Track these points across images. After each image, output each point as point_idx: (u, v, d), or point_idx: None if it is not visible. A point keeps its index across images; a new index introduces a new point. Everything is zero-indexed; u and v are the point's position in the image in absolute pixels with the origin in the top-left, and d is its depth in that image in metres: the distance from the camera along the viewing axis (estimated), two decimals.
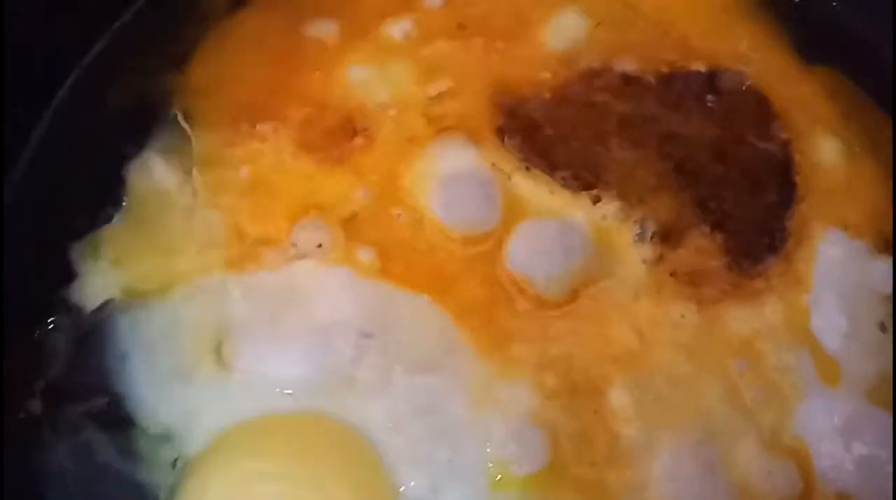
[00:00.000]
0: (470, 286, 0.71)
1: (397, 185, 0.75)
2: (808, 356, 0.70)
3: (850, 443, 0.68)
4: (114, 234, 0.73)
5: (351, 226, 0.73)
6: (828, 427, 0.68)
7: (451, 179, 0.74)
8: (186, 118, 0.78)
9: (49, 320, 0.72)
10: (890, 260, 0.74)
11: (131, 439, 0.68)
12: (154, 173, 0.75)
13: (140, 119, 0.78)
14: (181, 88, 0.80)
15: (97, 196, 0.75)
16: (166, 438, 0.68)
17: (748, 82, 0.83)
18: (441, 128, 0.77)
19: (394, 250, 0.72)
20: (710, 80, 0.82)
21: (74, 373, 0.71)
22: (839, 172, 0.79)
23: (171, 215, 0.74)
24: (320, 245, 0.72)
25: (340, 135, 0.76)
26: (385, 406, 0.68)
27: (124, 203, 0.75)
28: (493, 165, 0.75)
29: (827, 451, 0.68)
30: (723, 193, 0.76)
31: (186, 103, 0.79)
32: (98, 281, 0.72)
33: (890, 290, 0.73)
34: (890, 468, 0.66)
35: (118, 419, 0.69)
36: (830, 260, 0.75)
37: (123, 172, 0.76)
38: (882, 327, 0.72)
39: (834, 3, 0.89)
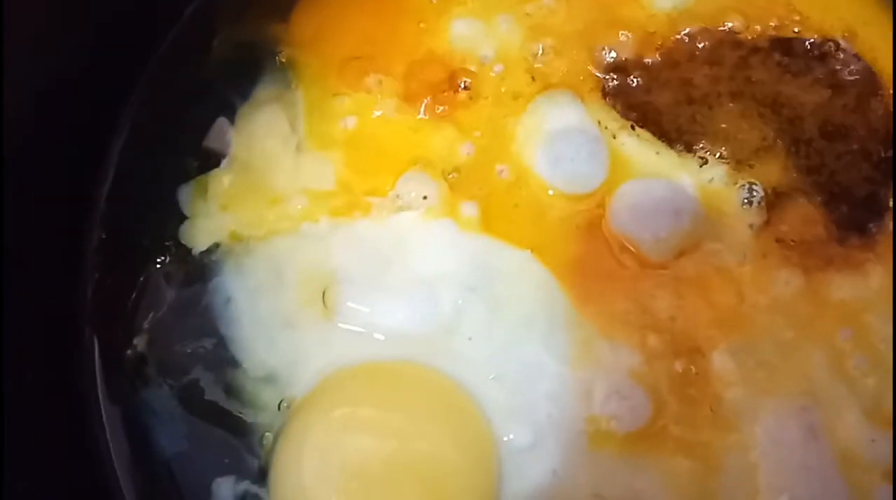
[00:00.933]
0: (573, 244, 0.71)
1: (501, 141, 0.75)
2: None
3: None
4: (222, 179, 0.75)
5: (455, 180, 0.73)
6: None
7: (556, 136, 0.74)
8: (291, 68, 0.78)
9: (158, 261, 0.73)
10: None
11: (236, 380, 0.70)
12: (260, 121, 0.76)
13: (245, 68, 0.79)
14: (285, 37, 0.80)
15: (204, 142, 0.76)
16: (270, 380, 0.70)
17: (854, 52, 0.81)
18: (546, 85, 0.76)
19: (497, 205, 0.73)
20: (816, 46, 0.81)
21: (181, 313, 0.73)
22: None
23: (278, 163, 0.74)
24: (425, 197, 0.72)
25: (445, 89, 0.76)
26: (486, 359, 0.69)
27: (231, 150, 0.76)
28: (598, 123, 0.75)
29: None
30: (829, 162, 0.75)
31: (291, 53, 0.79)
32: (206, 225, 0.73)
33: None
34: None
35: (223, 361, 0.71)
36: None
37: (230, 119, 0.77)
38: None
39: None
